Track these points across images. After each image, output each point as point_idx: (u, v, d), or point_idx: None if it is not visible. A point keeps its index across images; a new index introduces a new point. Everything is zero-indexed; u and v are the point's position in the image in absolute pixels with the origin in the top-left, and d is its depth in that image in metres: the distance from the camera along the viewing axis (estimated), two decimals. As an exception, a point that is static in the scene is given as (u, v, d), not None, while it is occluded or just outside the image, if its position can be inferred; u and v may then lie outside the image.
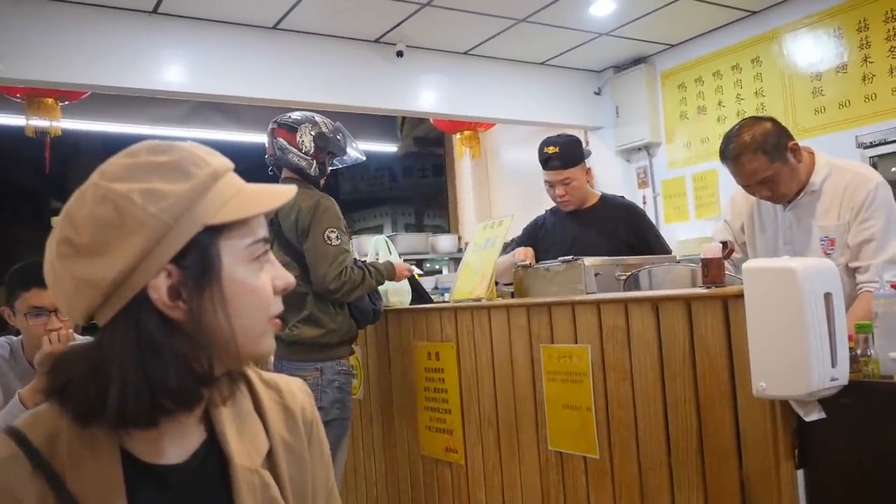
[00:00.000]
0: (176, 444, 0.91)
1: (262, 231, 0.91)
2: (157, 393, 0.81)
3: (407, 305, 3.22)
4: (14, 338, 2.34)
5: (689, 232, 5.41)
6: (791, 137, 2.44)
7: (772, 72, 4.89)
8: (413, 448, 3.05)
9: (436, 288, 5.71)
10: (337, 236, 2.80)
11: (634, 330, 2.04)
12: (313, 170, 2.92)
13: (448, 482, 2.84)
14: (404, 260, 3.31)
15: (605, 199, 3.34)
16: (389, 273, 3.00)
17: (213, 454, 0.93)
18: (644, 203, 5.76)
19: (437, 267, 9.89)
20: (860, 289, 2.32)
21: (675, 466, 1.94)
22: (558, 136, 3.34)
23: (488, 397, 2.60)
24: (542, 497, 2.38)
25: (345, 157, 3.08)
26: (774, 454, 1.71)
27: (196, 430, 0.94)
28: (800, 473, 1.72)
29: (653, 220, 5.64)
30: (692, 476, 1.89)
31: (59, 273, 0.83)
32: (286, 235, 2.88)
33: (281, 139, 2.91)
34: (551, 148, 3.18)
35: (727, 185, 5.17)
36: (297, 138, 2.90)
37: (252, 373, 1.03)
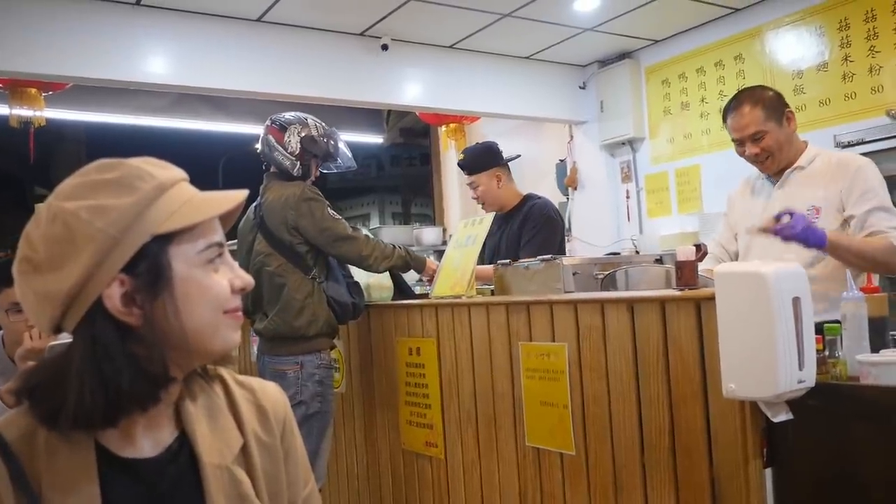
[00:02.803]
0: (149, 439, 0.95)
1: (216, 236, 0.95)
2: (111, 394, 0.86)
3: (388, 301, 3.25)
4: (-5, 334, 2.35)
5: (671, 227, 5.45)
6: (789, 107, 2.59)
7: (754, 69, 4.93)
8: (394, 442, 3.08)
9: (420, 280, 5.73)
10: (334, 214, 2.94)
11: (610, 329, 2.08)
12: (296, 170, 2.98)
13: (428, 476, 2.87)
14: None
15: (524, 200, 3.61)
16: (420, 264, 3.12)
17: (185, 450, 0.97)
18: (627, 197, 5.80)
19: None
20: (883, 234, 2.34)
21: (647, 464, 1.98)
22: (474, 144, 3.87)
23: (468, 393, 2.63)
24: (519, 491, 2.42)
25: (337, 163, 3.14)
26: (743, 453, 1.75)
27: (168, 426, 0.97)
28: (768, 472, 1.77)
29: (636, 214, 5.72)
30: (664, 473, 1.93)
31: (22, 289, 0.90)
32: (270, 227, 2.92)
33: (271, 136, 3.00)
34: (461, 156, 3.67)
35: (710, 180, 5.23)
36: (285, 138, 2.98)
37: (227, 373, 1.07)
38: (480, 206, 3.65)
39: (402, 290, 3.35)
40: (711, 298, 1.74)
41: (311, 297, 2.90)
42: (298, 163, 2.97)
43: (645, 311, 1.97)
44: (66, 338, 0.92)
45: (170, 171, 0.94)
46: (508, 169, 3.64)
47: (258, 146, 3.07)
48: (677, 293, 1.91)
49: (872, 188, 2.43)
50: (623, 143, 5.81)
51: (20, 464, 0.86)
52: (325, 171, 3.21)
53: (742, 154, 2.60)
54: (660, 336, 1.93)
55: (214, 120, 6.17)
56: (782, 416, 1.68)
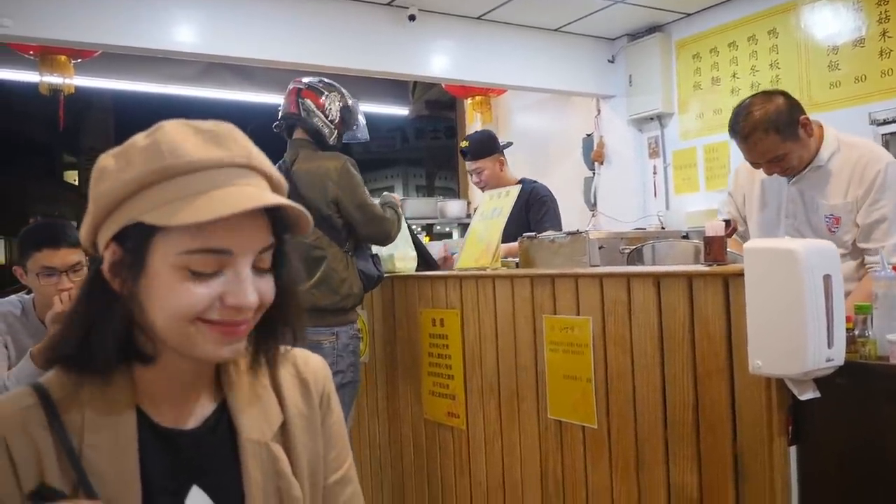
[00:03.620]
0: (190, 411, 0.95)
1: (219, 242, 0.84)
2: (89, 348, 0.87)
3: (412, 271, 3.26)
4: (26, 296, 2.39)
5: (698, 204, 5.40)
6: (803, 111, 2.40)
7: (788, 44, 4.83)
8: (416, 411, 3.10)
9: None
10: (368, 193, 2.96)
11: (636, 304, 2.07)
12: (332, 139, 2.97)
13: (449, 446, 2.90)
14: (412, 224, 3.46)
15: (520, 184, 3.66)
16: (395, 203, 3.15)
17: (224, 424, 0.96)
18: (654, 173, 5.74)
19: (446, 230, 9.91)
20: (869, 268, 2.32)
21: (670, 439, 1.98)
22: (475, 132, 4.13)
23: (491, 365, 2.64)
24: (540, 464, 2.43)
25: (356, 134, 3.13)
26: (768, 431, 1.74)
27: (210, 399, 0.97)
28: (792, 450, 1.76)
29: (662, 190, 5.66)
30: (687, 449, 1.93)
31: None
32: (306, 198, 2.83)
33: (309, 101, 2.95)
34: (465, 143, 3.89)
35: (738, 157, 5.13)
36: (325, 104, 2.95)
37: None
38: (481, 190, 3.86)
39: (426, 260, 3.36)
40: (740, 274, 1.72)
41: (347, 269, 2.91)
42: (336, 131, 2.96)
43: (672, 287, 1.96)
44: None
45: (214, 152, 0.85)
46: (504, 155, 3.94)
47: (287, 108, 2.99)
48: (705, 269, 1.89)
49: (884, 196, 2.32)
50: (651, 118, 5.74)
51: (62, 420, 0.86)
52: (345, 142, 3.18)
53: (757, 168, 2.46)
54: (686, 311, 1.92)
55: (241, 90, 6.17)
56: (809, 395, 1.67)
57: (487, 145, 3.84)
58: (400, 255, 3.28)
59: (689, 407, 1.92)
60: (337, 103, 2.96)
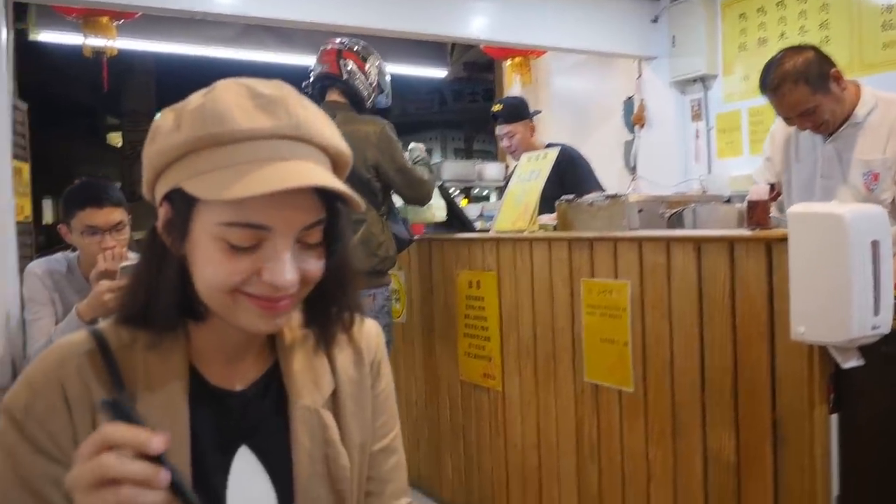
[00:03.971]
0: (242, 372, 0.94)
1: (259, 218, 0.81)
2: (152, 303, 0.87)
3: (442, 219, 3.30)
4: (71, 254, 2.44)
5: (742, 168, 5.27)
6: (833, 65, 2.35)
7: (839, 3, 4.65)
8: (452, 372, 3.12)
9: (481, 215, 5.71)
10: (406, 157, 2.97)
11: (675, 268, 2.04)
12: (370, 102, 2.95)
13: (485, 407, 2.92)
14: (451, 187, 3.48)
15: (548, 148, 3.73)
16: (423, 154, 3.18)
17: (275, 387, 0.96)
18: (697, 137, 5.62)
19: (484, 193, 9.86)
20: None
21: (708, 404, 1.96)
22: (506, 97, 4.28)
23: (527, 327, 2.64)
24: (575, 426, 2.43)
25: (381, 99, 3.09)
26: (809, 398, 1.72)
27: (263, 362, 0.97)
28: (833, 418, 1.73)
29: (705, 154, 5.55)
30: (725, 414, 1.91)
31: None
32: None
33: (351, 62, 2.91)
34: (497, 106, 3.94)
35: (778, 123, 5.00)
36: (367, 67, 2.94)
37: None
38: (510, 154, 3.95)
39: (462, 222, 3.35)
40: (784, 240, 1.69)
41: (384, 233, 2.93)
42: (374, 95, 2.96)
43: (712, 251, 1.93)
44: (136, 259, 0.92)
45: (261, 121, 0.81)
46: (533, 122, 4.01)
47: (325, 69, 2.94)
48: (748, 233, 1.86)
49: None
50: (694, 81, 5.59)
51: (119, 369, 0.87)
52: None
53: (791, 125, 2.41)
54: (727, 276, 1.89)
55: (279, 51, 6.17)
56: (853, 362, 1.64)
57: (520, 110, 3.90)
58: (428, 205, 3.29)
59: (727, 372, 1.90)
60: (376, 67, 2.96)
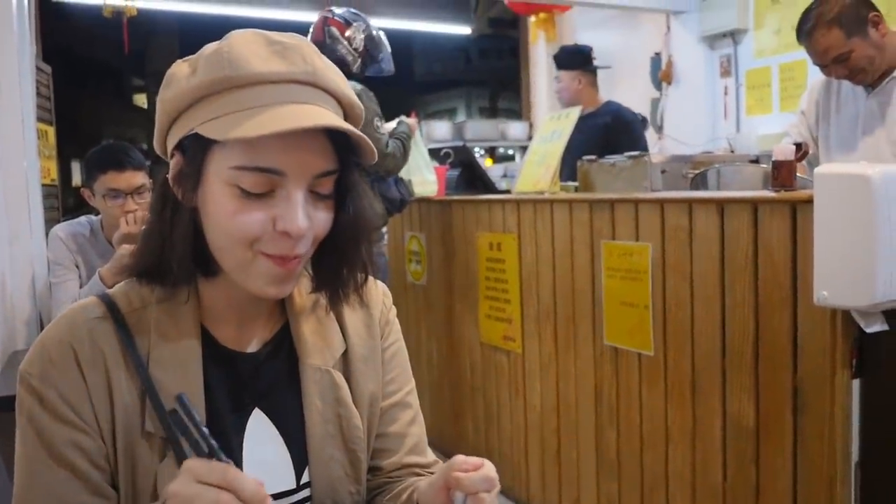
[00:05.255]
0: (253, 333, 0.95)
1: (271, 162, 0.80)
2: (164, 258, 0.87)
3: (432, 195, 3.32)
4: (94, 218, 2.46)
5: (771, 126, 5.16)
6: (874, 8, 2.25)
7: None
8: (473, 334, 3.13)
9: (504, 175, 5.67)
10: (381, 124, 3.00)
11: (697, 231, 2.01)
12: (356, 67, 2.99)
13: (505, 369, 2.92)
14: (475, 148, 3.47)
15: (604, 106, 3.86)
16: (409, 132, 3.17)
17: (286, 349, 0.96)
18: (725, 94, 5.50)
19: (509, 152, 9.77)
20: None
21: (728, 368, 1.94)
22: (572, 45, 4.34)
23: (547, 289, 2.62)
24: (595, 389, 2.43)
25: (381, 66, 3.08)
26: (831, 363, 1.69)
27: (273, 323, 0.97)
28: (855, 383, 1.71)
29: (733, 111, 5.44)
30: (745, 379, 1.89)
31: None
32: None
33: (334, 28, 2.97)
34: (558, 52, 4.08)
35: (816, 76, 4.86)
36: (349, 32, 2.97)
37: None
38: (560, 102, 4.02)
39: (485, 184, 3.33)
40: (809, 201, 1.64)
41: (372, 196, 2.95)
42: (359, 60, 2.98)
43: (736, 213, 1.89)
44: None
45: (277, 65, 0.81)
46: (594, 75, 3.97)
47: (313, 36, 3.00)
48: (772, 194, 1.81)
49: None
50: (724, 35, 5.45)
51: (130, 332, 0.87)
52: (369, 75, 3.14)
53: (828, 75, 2.33)
54: (750, 239, 1.85)
55: (302, 10, 6.12)
56: (877, 327, 1.60)
57: (570, 59, 3.93)
58: (418, 181, 3.30)
59: (748, 337, 1.88)
60: (361, 33, 2.97)
